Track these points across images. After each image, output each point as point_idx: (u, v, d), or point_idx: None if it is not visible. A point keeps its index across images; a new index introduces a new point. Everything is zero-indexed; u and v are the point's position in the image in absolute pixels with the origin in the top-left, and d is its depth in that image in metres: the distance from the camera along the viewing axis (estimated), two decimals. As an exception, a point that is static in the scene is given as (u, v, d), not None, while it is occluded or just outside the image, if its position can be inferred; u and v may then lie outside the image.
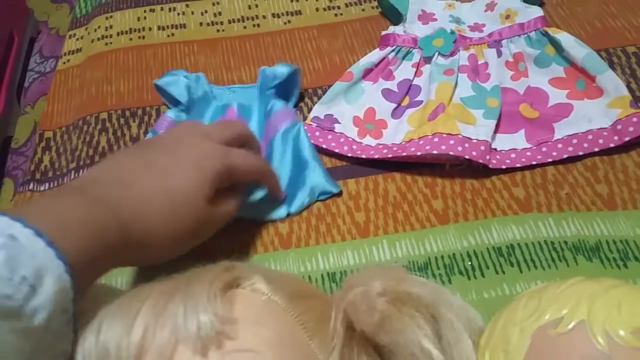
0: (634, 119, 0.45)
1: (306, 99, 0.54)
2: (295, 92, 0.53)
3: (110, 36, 0.64)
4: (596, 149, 0.46)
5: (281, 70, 0.52)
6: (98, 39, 0.63)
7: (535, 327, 0.29)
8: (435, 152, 0.44)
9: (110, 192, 0.32)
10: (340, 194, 0.47)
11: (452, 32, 0.53)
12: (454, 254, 0.42)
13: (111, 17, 0.66)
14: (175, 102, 0.53)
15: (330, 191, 0.47)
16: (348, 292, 0.30)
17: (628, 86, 0.50)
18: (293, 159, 0.48)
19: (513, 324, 0.30)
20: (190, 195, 0.35)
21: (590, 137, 0.46)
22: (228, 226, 0.45)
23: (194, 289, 0.26)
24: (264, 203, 0.46)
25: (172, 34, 0.63)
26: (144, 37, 0.63)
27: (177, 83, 0.52)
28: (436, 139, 0.45)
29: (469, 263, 0.42)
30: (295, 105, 0.54)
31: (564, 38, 0.50)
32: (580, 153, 0.46)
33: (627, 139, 0.45)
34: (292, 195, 0.47)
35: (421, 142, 0.46)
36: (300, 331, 0.28)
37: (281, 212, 0.46)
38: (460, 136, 0.45)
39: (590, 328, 0.28)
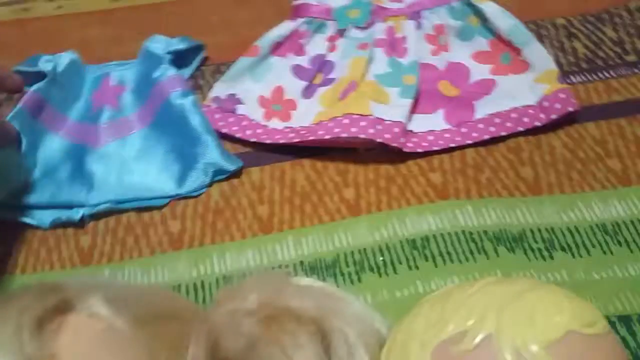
0: (561, 95, 0.42)
1: (207, 77, 0.49)
2: (188, 69, 0.49)
3: (-12, 7, 0.56)
4: (520, 129, 0.42)
5: (178, 43, 0.47)
6: (-27, 11, 0.56)
7: (436, 342, 0.25)
8: (345, 135, 0.40)
9: None
10: (240, 172, 0.42)
11: (369, 2, 0.48)
12: (364, 249, 0.38)
13: (-10, -15, 0.58)
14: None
15: (227, 169, 0.42)
16: (215, 310, 0.24)
17: (557, 60, 0.48)
18: (181, 131, 0.43)
19: (413, 337, 0.26)
20: None
21: (514, 115, 0.43)
22: (109, 225, 0.40)
23: (-5, 322, 0.20)
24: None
25: (60, 6, 0.56)
26: (28, 10, 0.56)
27: (35, 61, 0.47)
28: (346, 121, 0.40)
29: (381, 258, 0.38)
30: (189, 79, 0.49)
31: (489, 7, 0.46)
32: (503, 133, 0.42)
33: (553, 116, 0.42)
34: (183, 174, 0.42)
35: (330, 124, 0.41)
36: (146, 363, 0.22)
37: (167, 189, 0.41)
38: (372, 117, 0.40)
39: (497, 344, 0.23)
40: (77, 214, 0.40)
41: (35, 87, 0.44)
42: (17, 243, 0.40)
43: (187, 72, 0.48)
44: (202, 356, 0.23)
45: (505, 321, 0.24)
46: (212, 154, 0.42)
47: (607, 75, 0.46)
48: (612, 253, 0.37)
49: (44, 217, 0.40)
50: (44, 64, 0.46)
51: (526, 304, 0.25)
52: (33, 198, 0.41)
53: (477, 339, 0.24)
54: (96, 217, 0.41)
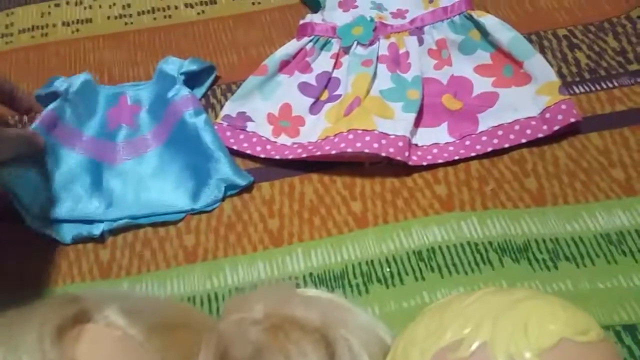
0: (563, 106, 0.43)
1: (219, 96, 0.50)
2: (202, 89, 0.50)
3: (11, 34, 0.58)
4: (524, 140, 0.43)
5: (189, 64, 0.49)
6: (-3, 38, 0.58)
7: (435, 350, 0.26)
8: (350, 150, 0.41)
9: None
10: (247, 188, 0.43)
11: (372, 20, 0.49)
12: (372, 261, 0.39)
13: (12, 13, 0.60)
14: None
15: (238, 184, 0.43)
16: (223, 320, 0.26)
17: (559, 71, 0.48)
18: (195, 149, 0.44)
19: (413, 345, 0.27)
20: None
21: (517, 127, 0.43)
22: (127, 240, 0.42)
23: (20, 331, 0.22)
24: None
25: (77, 30, 0.58)
26: (47, 35, 0.58)
27: (51, 83, 0.48)
28: (351, 136, 0.41)
29: (388, 270, 0.38)
30: (202, 98, 0.50)
31: (489, 21, 0.47)
32: (507, 145, 0.43)
33: (556, 128, 0.42)
34: (197, 190, 0.43)
35: (336, 139, 0.42)
36: (159, 370, 0.24)
37: (182, 205, 0.43)
38: (376, 132, 0.41)
39: (492, 351, 0.24)
40: (97, 229, 0.42)
41: (50, 106, 0.46)
42: (40, 257, 0.41)
43: (200, 91, 0.50)
44: (212, 364, 0.25)
45: (500, 329, 0.25)
46: (224, 170, 0.43)
47: (610, 84, 0.47)
48: (616, 263, 0.37)
49: (65, 233, 0.42)
50: (59, 84, 0.48)
51: (521, 313, 0.25)
52: (52, 212, 0.43)
53: (473, 347, 0.25)
54: (114, 232, 0.42)
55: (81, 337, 0.24)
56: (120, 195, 0.44)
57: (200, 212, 0.43)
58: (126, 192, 0.44)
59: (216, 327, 0.26)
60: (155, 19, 0.58)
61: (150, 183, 0.45)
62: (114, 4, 0.60)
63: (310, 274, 0.39)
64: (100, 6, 0.60)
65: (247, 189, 0.44)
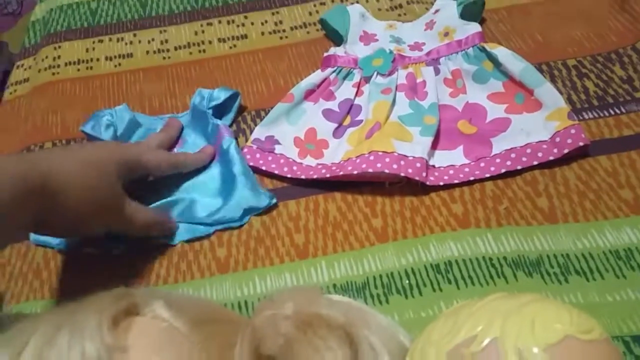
0: (572, 131, 0.45)
1: (249, 122, 0.54)
2: (230, 114, 0.54)
3: (58, 66, 0.63)
4: (535, 163, 0.45)
5: (217, 94, 0.52)
6: (45, 69, 0.63)
7: (450, 347, 0.28)
8: (370, 170, 0.44)
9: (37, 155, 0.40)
10: (274, 206, 0.46)
11: (391, 52, 0.53)
12: (392, 273, 0.41)
13: (59, 47, 0.66)
14: None
15: (257, 206, 0.46)
16: (257, 315, 0.29)
17: (569, 99, 0.50)
18: (223, 175, 0.48)
19: (430, 344, 0.29)
20: (101, 164, 0.40)
21: (528, 150, 0.46)
22: (163, 252, 0.45)
23: (82, 318, 0.25)
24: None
25: (119, 64, 0.63)
26: (91, 68, 0.63)
27: (98, 123, 0.52)
28: (372, 157, 0.44)
29: (407, 281, 0.41)
30: (230, 125, 0.54)
31: (501, 52, 0.50)
32: (519, 167, 0.45)
33: (565, 151, 0.45)
34: (222, 205, 0.47)
35: (358, 160, 0.45)
36: (201, 358, 0.26)
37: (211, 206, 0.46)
38: (395, 154, 0.44)
39: (502, 345, 0.26)
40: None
41: None
42: (79, 270, 0.45)
43: (230, 117, 0.54)
44: (247, 353, 0.27)
45: (509, 327, 0.27)
46: (244, 193, 0.46)
47: (617, 111, 0.49)
48: (625, 277, 0.39)
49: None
50: (105, 132, 0.51)
51: (529, 313, 0.28)
52: None
53: (485, 342, 0.27)
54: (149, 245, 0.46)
55: (131, 327, 0.27)
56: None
57: (232, 228, 0.46)
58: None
59: (251, 322, 0.28)
60: (191, 53, 0.62)
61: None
62: (153, 40, 0.65)
63: (334, 285, 0.41)
64: (139, 42, 0.65)
65: (274, 206, 0.47)
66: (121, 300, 0.27)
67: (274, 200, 0.46)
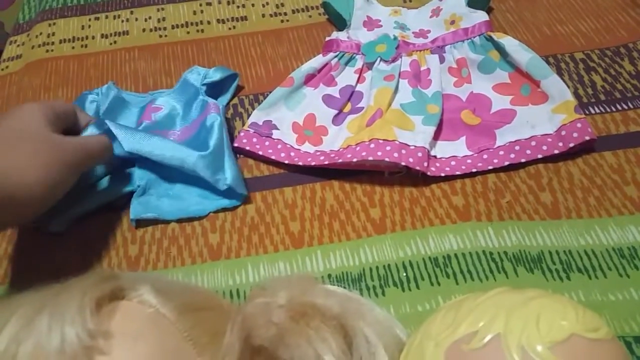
0: (578, 125, 0.44)
1: (247, 105, 0.52)
2: (227, 94, 0.52)
3: (52, 43, 0.62)
4: (539, 156, 0.44)
5: (213, 73, 0.50)
6: (39, 46, 0.61)
7: (449, 342, 0.27)
8: (370, 158, 0.42)
9: None
10: (274, 191, 0.45)
11: (395, 38, 0.51)
12: (389, 265, 0.40)
13: (54, 24, 0.64)
14: None
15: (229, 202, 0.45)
16: (248, 303, 0.27)
17: (576, 92, 0.49)
18: (194, 141, 0.46)
19: (429, 338, 0.28)
20: (26, 123, 0.37)
21: (533, 143, 0.44)
22: (155, 236, 0.43)
23: (64, 300, 0.24)
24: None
25: (115, 42, 0.61)
26: (86, 46, 0.61)
27: (83, 102, 0.50)
28: (372, 145, 0.43)
29: (404, 274, 0.40)
30: (226, 106, 0.52)
31: (508, 42, 0.49)
32: (523, 160, 0.44)
33: (571, 145, 0.44)
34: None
35: (357, 148, 0.44)
36: (188, 346, 0.25)
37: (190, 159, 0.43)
38: (397, 142, 0.43)
39: (505, 342, 0.25)
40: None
41: (85, 132, 0.45)
42: (66, 251, 0.43)
43: (225, 98, 0.52)
44: (237, 342, 0.26)
45: (513, 323, 0.26)
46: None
47: (624, 106, 0.48)
48: (628, 276, 0.38)
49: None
50: (89, 105, 0.50)
51: (533, 309, 0.27)
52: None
53: (487, 339, 0.26)
54: (143, 226, 0.44)
55: (116, 311, 0.26)
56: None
57: (225, 210, 0.44)
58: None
59: (241, 310, 0.27)
60: (188, 32, 0.61)
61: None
62: (150, 18, 0.63)
63: (329, 275, 0.40)
64: (136, 19, 0.63)
65: (272, 192, 0.45)
66: (106, 282, 0.26)
67: (245, 193, 0.45)
